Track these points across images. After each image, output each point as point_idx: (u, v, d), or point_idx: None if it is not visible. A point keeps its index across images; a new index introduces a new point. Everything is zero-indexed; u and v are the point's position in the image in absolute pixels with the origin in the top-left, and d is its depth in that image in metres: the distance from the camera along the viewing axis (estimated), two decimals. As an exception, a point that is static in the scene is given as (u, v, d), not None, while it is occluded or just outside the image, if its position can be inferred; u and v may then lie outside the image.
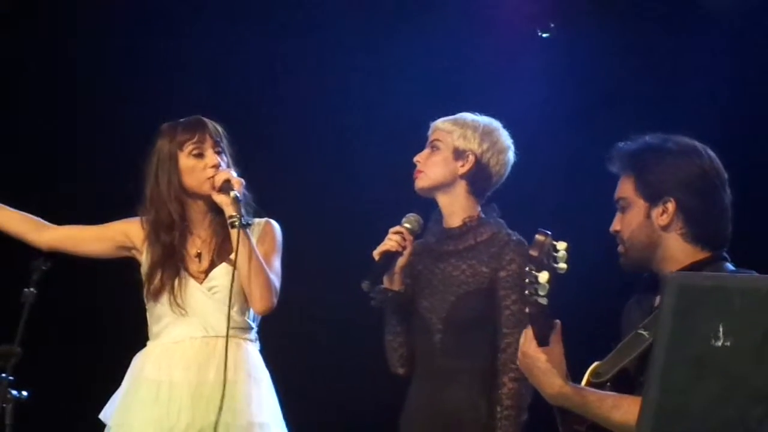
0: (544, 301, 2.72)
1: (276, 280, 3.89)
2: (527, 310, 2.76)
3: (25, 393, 3.80)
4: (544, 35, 5.70)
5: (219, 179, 3.84)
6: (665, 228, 2.91)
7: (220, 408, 3.75)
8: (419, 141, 5.35)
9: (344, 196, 5.66)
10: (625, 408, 2.74)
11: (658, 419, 2.15)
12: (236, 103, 5.11)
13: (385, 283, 3.77)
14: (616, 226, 2.98)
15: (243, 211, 3.80)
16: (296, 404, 4.07)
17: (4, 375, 3.80)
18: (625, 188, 2.97)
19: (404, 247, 3.74)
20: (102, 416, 3.95)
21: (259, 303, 3.84)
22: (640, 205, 2.94)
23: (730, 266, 2.92)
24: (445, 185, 3.84)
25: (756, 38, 5.40)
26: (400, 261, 3.76)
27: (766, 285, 2.18)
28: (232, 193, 3.80)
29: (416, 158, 3.89)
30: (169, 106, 5.28)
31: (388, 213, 4.72)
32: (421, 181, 3.86)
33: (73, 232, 4.05)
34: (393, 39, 5.59)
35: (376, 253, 3.74)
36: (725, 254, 2.94)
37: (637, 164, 2.96)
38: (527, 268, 2.72)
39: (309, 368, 5.62)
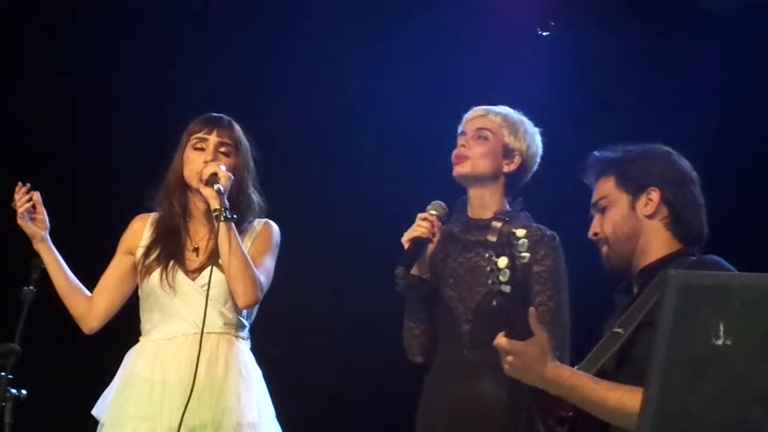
0: (506, 289, 2.70)
1: (263, 277, 3.89)
2: (494, 303, 2.74)
3: (24, 391, 3.80)
4: (545, 34, 5.70)
5: (206, 172, 3.85)
6: (650, 216, 2.96)
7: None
8: (419, 139, 5.37)
9: (342, 195, 5.66)
10: (621, 392, 2.72)
11: (658, 418, 2.15)
12: (236, 101, 5.10)
13: (413, 270, 3.74)
14: (595, 228, 3.02)
15: (227, 203, 3.79)
16: (289, 403, 4.07)
17: (3, 373, 3.79)
18: (605, 188, 3.01)
19: (434, 234, 3.72)
20: (95, 412, 3.96)
21: (243, 297, 3.84)
22: (623, 199, 2.99)
23: (692, 257, 2.94)
24: (487, 179, 3.81)
25: (756, 38, 5.40)
26: (431, 248, 3.74)
27: (767, 284, 2.18)
28: (216, 186, 3.80)
29: (461, 142, 3.82)
30: (170, 105, 5.31)
31: (387, 212, 4.73)
32: (464, 168, 3.81)
33: (104, 289, 4.03)
34: (394, 37, 5.59)
35: (405, 240, 3.70)
36: (694, 251, 2.98)
37: (616, 163, 3.02)
38: (487, 255, 2.70)
39: (302, 366, 5.63)
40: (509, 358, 2.77)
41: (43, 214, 3.99)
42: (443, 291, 3.79)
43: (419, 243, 3.70)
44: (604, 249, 2.99)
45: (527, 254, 2.71)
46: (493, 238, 2.69)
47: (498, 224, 2.70)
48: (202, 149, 3.92)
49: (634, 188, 2.98)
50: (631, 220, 2.96)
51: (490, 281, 2.70)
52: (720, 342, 2.11)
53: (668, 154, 3.03)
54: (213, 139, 3.93)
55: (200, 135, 3.94)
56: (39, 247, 3.98)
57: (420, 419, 3.80)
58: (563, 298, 3.72)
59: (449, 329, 3.77)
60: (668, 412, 2.14)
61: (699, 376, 2.13)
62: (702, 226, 3.00)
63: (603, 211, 3.00)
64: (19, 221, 3.96)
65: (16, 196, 3.97)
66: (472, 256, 3.78)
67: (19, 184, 3.98)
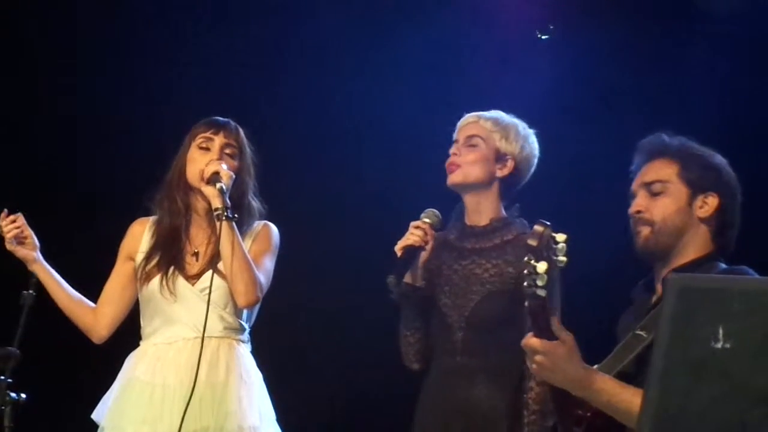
0: (542, 293, 2.67)
1: (262, 277, 3.89)
2: (526, 303, 2.72)
3: (23, 395, 3.80)
4: (543, 37, 5.69)
5: (208, 170, 3.85)
6: (703, 220, 2.97)
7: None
8: (419, 141, 5.37)
9: (342, 196, 5.66)
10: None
11: (657, 421, 2.14)
12: (235, 103, 5.10)
13: (406, 278, 3.74)
14: (641, 206, 3.00)
15: (228, 203, 3.79)
16: (290, 406, 4.07)
17: (2, 377, 3.79)
18: (665, 172, 3.00)
19: (427, 242, 3.72)
20: (95, 416, 3.97)
21: (243, 297, 3.84)
22: (682, 191, 2.98)
23: (723, 265, 2.97)
24: (480, 185, 3.80)
25: (756, 38, 5.40)
26: (423, 256, 3.73)
27: (766, 287, 2.18)
28: (218, 185, 3.80)
29: (453, 150, 3.82)
30: (169, 106, 5.31)
31: (388, 213, 4.72)
32: (457, 177, 3.80)
33: (109, 299, 4.03)
34: (393, 39, 5.59)
35: (398, 248, 3.70)
36: (722, 259, 2.99)
37: (683, 153, 3.01)
38: (525, 259, 2.69)
39: (303, 369, 5.63)
40: (538, 358, 2.74)
41: (31, 237, 3.98)
42: (438, 298, 3.79)
43: (412, 251, 3.70)
44: (645, 230, 2.98)
45: (564, 258, 2.71)
46: (534, 242, 2.67)
47: (540, 228, 2.68)
48: (207, 149, 3.93)
49: (696, 186, 2.98)
50: (685, 216, 2.97)
51: (525, 283, 2.69)
52: (719, 345, 2.11)
53: (727, 165, 3.04)
54: (219, 140, 3.94)
55: (207, 135, 3.94)
56: (34, 268, 3.97)
57: (416, 425, 3.80)
58: (555, 305, 3.71)
59: (443, 336, 3.77)
60: (667, 414, 2.14)
61: (698, 379, 2.12)
62: (734, 237, 3.03)
63: (655, 193, 2.99)
64: (9, 247, 3.96)
65: (2, 224, 3.95)
66: (467, 264, 3.78)
67: (5, 211, 3.97)
